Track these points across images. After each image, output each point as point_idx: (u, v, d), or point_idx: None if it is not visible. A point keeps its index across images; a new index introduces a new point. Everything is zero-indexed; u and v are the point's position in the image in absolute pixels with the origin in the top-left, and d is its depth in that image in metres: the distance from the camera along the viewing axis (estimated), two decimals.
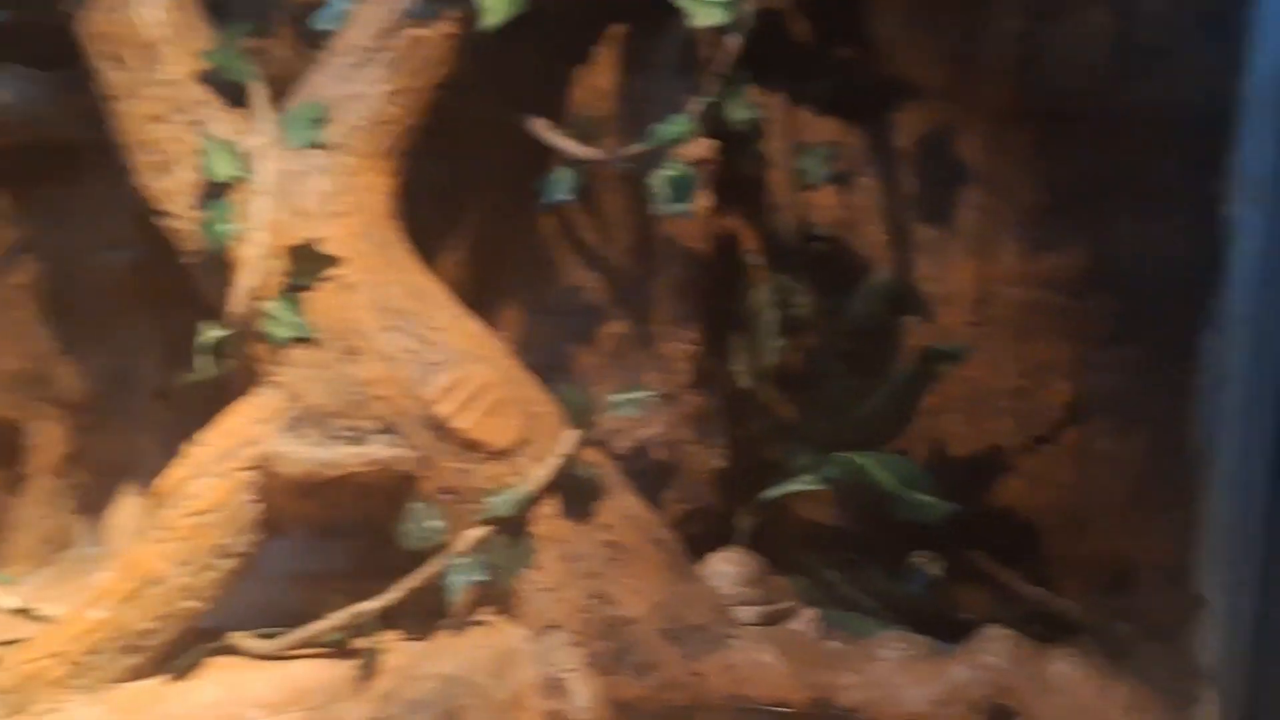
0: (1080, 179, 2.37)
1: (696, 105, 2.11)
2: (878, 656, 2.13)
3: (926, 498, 2.23)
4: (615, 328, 2.36)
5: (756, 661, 2.13)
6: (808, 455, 2.36)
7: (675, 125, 2.10)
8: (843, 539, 2.44)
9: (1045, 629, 2.40)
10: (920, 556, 2.39)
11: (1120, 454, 2.42)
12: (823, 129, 2.38)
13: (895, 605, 2.39)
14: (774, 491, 2.36)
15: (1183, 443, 2.38)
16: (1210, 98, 2.28)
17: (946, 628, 2.32)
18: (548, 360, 2.35)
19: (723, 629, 2.17)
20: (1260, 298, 2.10)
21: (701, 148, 2.23)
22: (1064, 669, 2.02)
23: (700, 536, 2.37)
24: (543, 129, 2.24)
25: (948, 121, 2.37)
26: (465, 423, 2.11)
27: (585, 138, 2.25)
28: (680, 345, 2.33)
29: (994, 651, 2.07)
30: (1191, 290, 2.35)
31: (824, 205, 2.40)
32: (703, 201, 2.26)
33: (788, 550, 2.43)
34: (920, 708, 2.07)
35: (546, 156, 2.30)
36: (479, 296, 2.34)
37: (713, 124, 2.26)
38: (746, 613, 2.30)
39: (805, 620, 2.33)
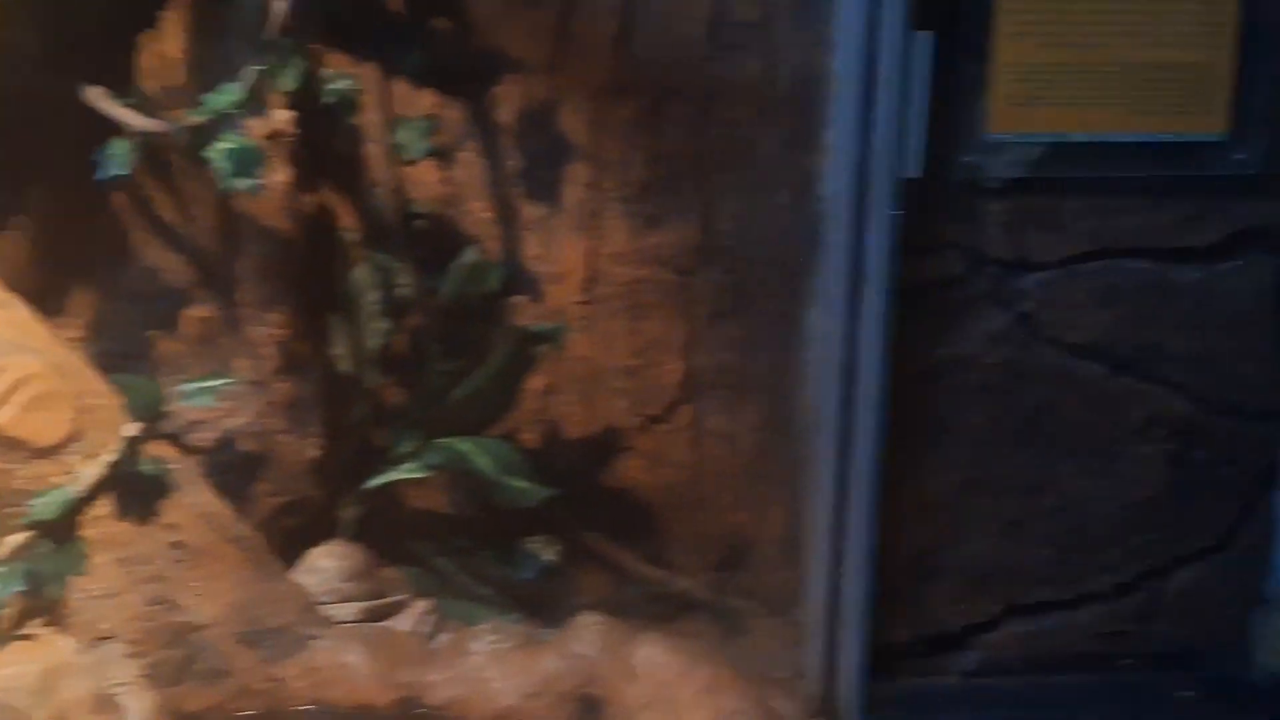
0: (685, 155, 2.25)
1: (249, 74, 1.88)
2: (470, 651, 1.97)
3: (523, 483, 2.08)
4: (200, 312, 2.13)
5: (340, 663, 1.95)
6: (413, 441, 2.18)
7: (225, 95, 1.88)
8: (456, 526, 2.27)
9: (665, 609, 2.30)
10: (534, 542, 2.24)
11: (733, 430, 2.32)
12: (421, 102, 2.20)
13: (511, 592, 2.24)
14: (376, 480, 2.18)
15: (791, 417, 2.30)
16: (804, 74, 2.19)
17: (563, 613, 2.19)
18: (124, 348, 2.11)
19: (307, 630, 1.97)
20: (847, 273, 2.00)
21: (277, 120, 2.01)
22: (650, 654, 1.90)
23: (300, 530, 2.17)
24: (98, 99, 1.97)
25: (550, 96, 2.21)
26: (2, 419, 1.84)
27: (150, 108, 1.99)
28: (267, 329, 2.11)
29: (585, 640, 1.94)
30: (794, 266, 2.27)
31: (425, 181, 2.22)
32: (281, 176, 2.04)
33: (399, 540, 2.25)
34: (511, 701, 1.93)
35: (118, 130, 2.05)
36: (44, 281, 2.08)
37: (301, 94, 2.05)
38: (348, 609, 2.11)
39: (416, 612, 2.16)
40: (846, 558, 1.95)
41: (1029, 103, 2.11)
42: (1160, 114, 2.15)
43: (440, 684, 1.94)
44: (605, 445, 2.31)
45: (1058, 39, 2.11)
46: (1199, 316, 2.23)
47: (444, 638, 2.07)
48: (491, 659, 1.96)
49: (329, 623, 2.01)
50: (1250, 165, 2.17)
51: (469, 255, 2.15)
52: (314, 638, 1.96)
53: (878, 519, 1.96)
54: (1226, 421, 2.26)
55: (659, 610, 2.28)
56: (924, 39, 1.77)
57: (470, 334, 2.17)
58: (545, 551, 2.24)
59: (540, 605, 2.23)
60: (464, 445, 2.12)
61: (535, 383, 2.26)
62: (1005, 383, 2.24)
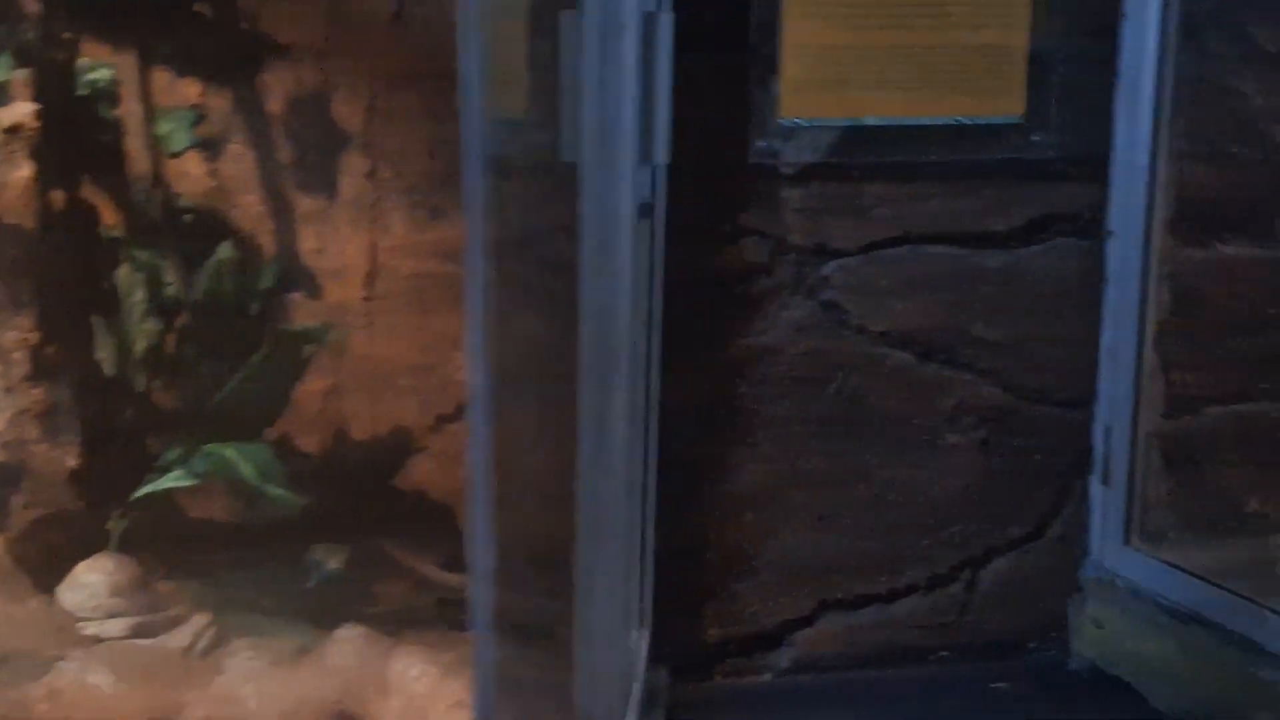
0: None
1: None
2: (227, 669, 1.87)
3: (280, 491, 1.99)
4: None
5: (87, 685, 1.84)
6: (182, 448, 2.08)
7: None
8: (237, 535, 2.18)
9: (464, 616, 2.22)
10: (319, 549, 2.15)
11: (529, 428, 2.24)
12: (184, 91, 2.10)
13: (295, 603, 2.15)
14: (143, 489, 2.07)
15: None
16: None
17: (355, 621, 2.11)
18: None
19: (54, 651, 1.87)
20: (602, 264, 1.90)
21: (18, 113, 1.90)
22: (404, 667, 1.82)
23: (64, 544, 2.06)
24: None
25: (322, 82, 2.11)
26: None
27: None
28: (17, 334, 2.00)
29: (343, 654, 1.85)
30: None
31: (191, 174, 2.13)
32: (23, 172, 1.93)
33: (177, 551, 2.14)
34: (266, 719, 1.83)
35: None
36: None
37: (49, 85, 1.94)
38: (117, 625, 2.01)
39: (193, 627, 2.06)
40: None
41: (821, 86, 2.04)
42: (956, 96, 2.08)
43: (194, 703, 1.85)
44: (395, 446, 2.22)
45: (848, 20, 2.03)
46: (1005, 302, 2.17)
47: (206, 655, 1.99)
48: (249, 676, 1.86)
49: (84, 642, 1.91)
50: (1049, 147, 2.11)
51: (223, 250, 2.05)
52: (60, 659, 1.86)
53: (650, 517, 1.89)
54: (1038, 408, 2.21)
55: (458, 617, 2.20)
56: (665, 20, 1.69)
57: (236, 334, 2.08)
58: (331, 559, 2.15)
59: (327, 616, 2.15)
60: (229, 451, 2.02)
61: (317, 384, 2.17)
62: (813, 372, 2.17)
